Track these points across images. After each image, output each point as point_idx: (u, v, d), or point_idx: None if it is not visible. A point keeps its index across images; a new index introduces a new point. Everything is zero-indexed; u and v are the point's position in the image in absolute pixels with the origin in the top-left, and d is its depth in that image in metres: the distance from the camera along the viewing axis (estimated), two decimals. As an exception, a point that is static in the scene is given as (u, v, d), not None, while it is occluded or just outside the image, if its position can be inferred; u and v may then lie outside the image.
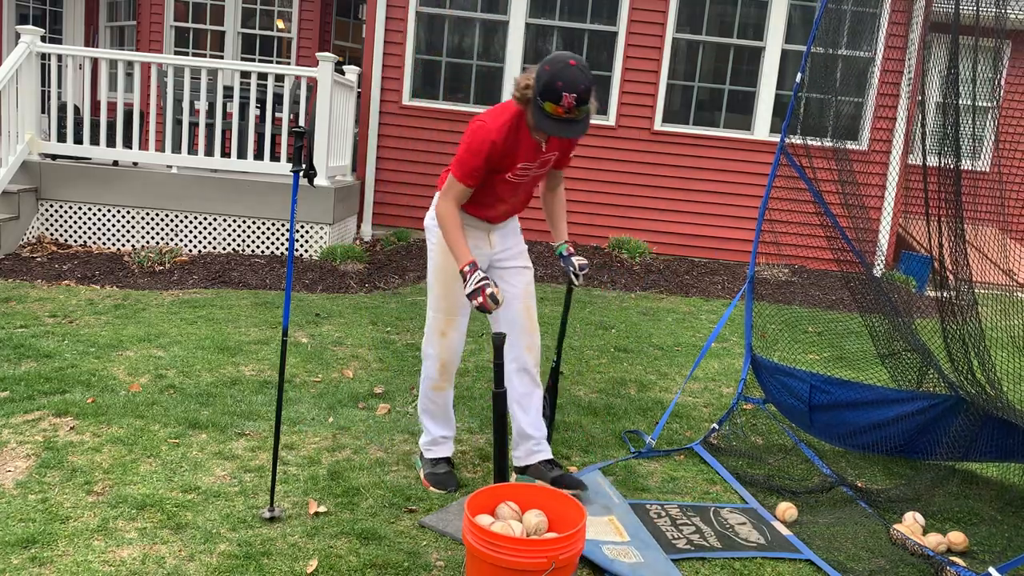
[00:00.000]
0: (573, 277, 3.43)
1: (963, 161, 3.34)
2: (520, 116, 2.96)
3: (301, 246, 7.28)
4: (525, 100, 2.89)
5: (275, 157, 7.49)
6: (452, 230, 2.96)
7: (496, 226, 3.27)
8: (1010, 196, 3.34)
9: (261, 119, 8.02)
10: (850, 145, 8.61)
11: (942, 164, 3.38)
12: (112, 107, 10.96)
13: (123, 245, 7.22)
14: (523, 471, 3.30)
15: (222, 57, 10.85)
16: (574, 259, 3.42)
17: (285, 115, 7.63)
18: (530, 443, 3.26)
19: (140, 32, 10.87)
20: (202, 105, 7.25)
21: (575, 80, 2.72)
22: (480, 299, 2.86)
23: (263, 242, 7.29)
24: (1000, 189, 3.32)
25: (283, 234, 7.30)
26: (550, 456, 3.28)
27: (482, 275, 2.89)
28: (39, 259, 6.63)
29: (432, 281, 3.25)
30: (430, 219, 3.28)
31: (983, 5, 3.26)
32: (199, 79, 7.33)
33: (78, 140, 7.30)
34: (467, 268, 2.91)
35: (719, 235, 8.97)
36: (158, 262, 6.67)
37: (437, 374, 3.28)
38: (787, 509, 3.26)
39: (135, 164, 7.47)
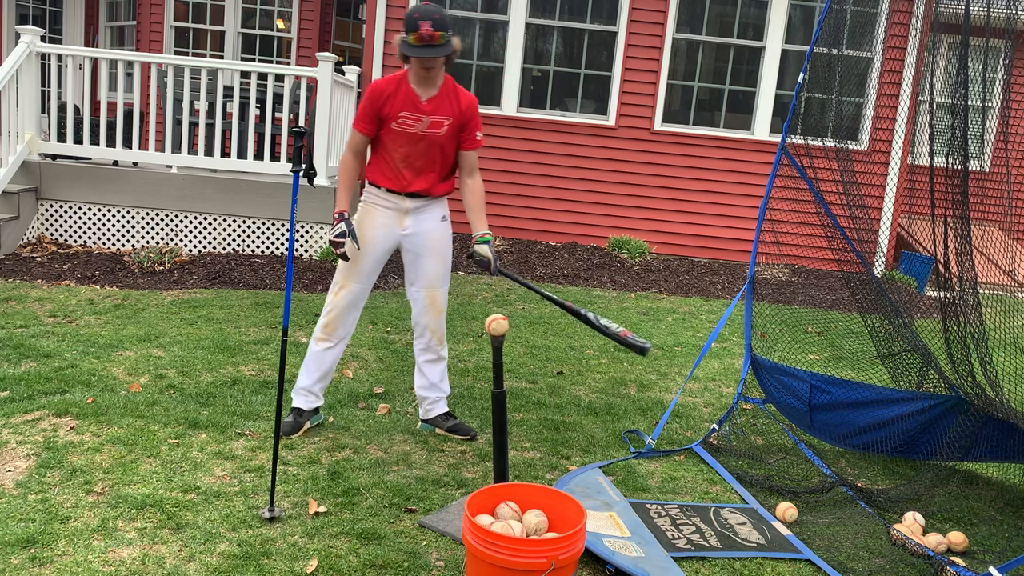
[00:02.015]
0: (482, 264, 3.64)
1: (971, 162, 3.34)
2: (404, 75, 3.48)
3: (301, 246, 7.28)
4: (402, 55, 3.41)
5: (275, 157, 7.49)
6: (343, 180, 3.53)
7: (410, 207, 3.61)
8: (1017, 197, 3.34)
9: (261, 119, 8.02)
10: (851, 145, 8.61)
11: (949, 165, 3.37)
12: (112, 107, 10.96)
13: (123, 245, 7.22)
14: (426, 422, 3.88)
15: (222, 57, 10.85)
16: (483, 248, 3.61)
17: (285, 115, 7.63)
18: (426, 403, 3.84)
19: (140, 32, 10.88)
20: (202, 105, 7.24)
21: (427, 10, 3.27)
22: (337, 250, 3.44)
23: (263, 242, 7.29)
24: (1008, 189, 3.32)
25: (283, 234, 7.30)
26: (446, 409, 3.87)
27: (344, 228, 3.38)
28: (39, 259, 6.62)
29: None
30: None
31: (995, 6, 3.25)
32: (199, 79, 7.33)
33: (78, 140, 7.30)
34: (336, 216, 3.42)
35: (719, 235, 8.97)
36: (158, 262, 6.67)
37: (320, 327, 3.68)
38: (787, 509, 3.26)
39: (135, 164, 7.47)
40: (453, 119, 3.52)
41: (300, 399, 3.76)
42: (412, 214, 3.61)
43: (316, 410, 3.80)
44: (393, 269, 7.41)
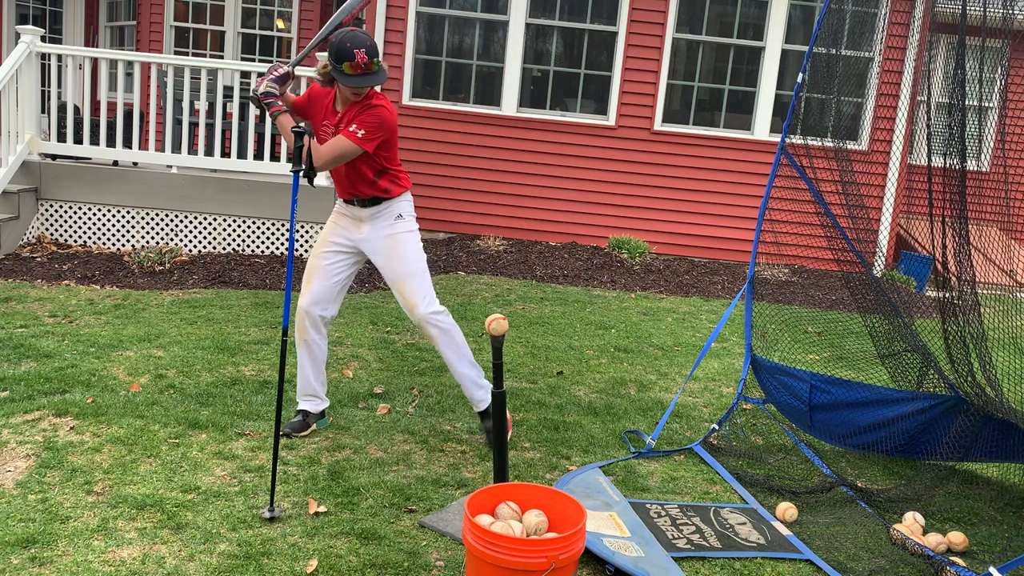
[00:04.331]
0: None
1: (968, 162, 3.34)
2: (330, 91, 3.54)
3: (301, 246, 7.28)
4: (329, 78, 3.46)
5: (275, 157, 7.49)
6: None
7: (360, 212, 3.65)
8: (1015, 196, 3.34)
9: (261, 119, 8.02)
10: (850, 145, 8.62)
11: (947, 164, 3.37)
12: (112, 107, 10.96)
13: (123, 245, 7.22)
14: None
15: (222, 57, 10.85)
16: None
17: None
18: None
19: (140, 32, 10.87)
20: (202, 105, 7.24)
21: (359, 39, 3.24)
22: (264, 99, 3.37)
23: (263, 242, 7.29)
24: (1006, 189, 3.32)
25: (283, 234, 7.30)
26: (480, 409, 3.81)
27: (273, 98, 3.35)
28: (39, 259, 6.62)
29: None
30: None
31: (991, 6, 3.25)
32: (199, 79, 7.33)
33: (78, 140, 7.30)
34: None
35: (719, 235, 8.97)
36: (158, 262, 6.67)
37: (296, 332, 3.73)
38: (787, 509, 3.26)
39: (135, 164, 7.47)
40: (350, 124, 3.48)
41: (305, 403, 3.78)
42: (367, 222, 3.65)
43: (322, 413, 3.82)
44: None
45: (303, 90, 7.75)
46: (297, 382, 3.79)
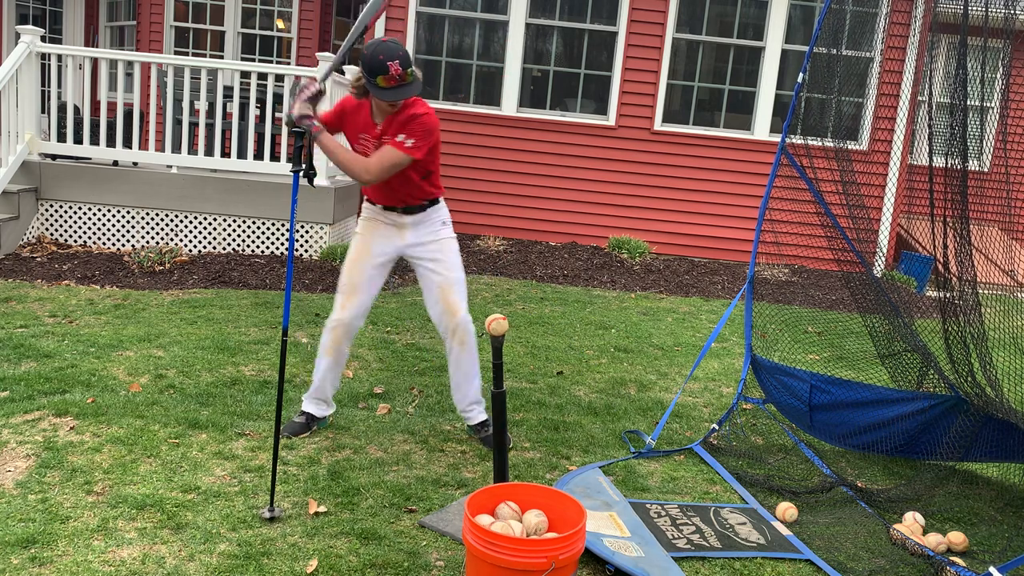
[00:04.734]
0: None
1: (970, 162, 3.34)
2: (364, 102, 3.49)
3: (301, 246, 7.28)
4: (363, 90, 3.41)
5: (275, 157, 7.49)
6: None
7: (402, 219, 3.62)
8: (1016, 197, 3.33)
9: (261, 119, 8.02)
10: (850, 145, 8.61)
11: (948, 165, 3.37)
12: (112, 107, 10.96)
13: (123, 245, 7.21)
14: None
15: (222, 57, 10.85)
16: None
17: (285, 115, 7.62)
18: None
19: (140, 32, 10.87)
20: (202, 105, 7.24)
21: (391, 50, 3.19)
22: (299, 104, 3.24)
23: (263, 242, 7.29)
24: (1007, 189, 3.32)
25: (283, 234, 7.30)
26: (478, 420, 3.82)
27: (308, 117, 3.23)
28: (39, 259, 6.62)
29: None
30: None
31: (992, 5, 3.25)
32: (199, 79, 7.33)
33: (78, 140, 7.30)
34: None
35: (719, 235, 8.97)
36: (158, 262, 6.67)
37: (329, 342, 3.67)
38: (787, 509, 3.26)
39: (135, 164, 7.47)
40: (392, 135, 3.47)
41: (312, 406, 3.75)
42: (410, 228, 3.63)
43: (325, 418, 3.81)
44: (392, 268, 7.41)
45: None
46: (313, 386, 3.73)
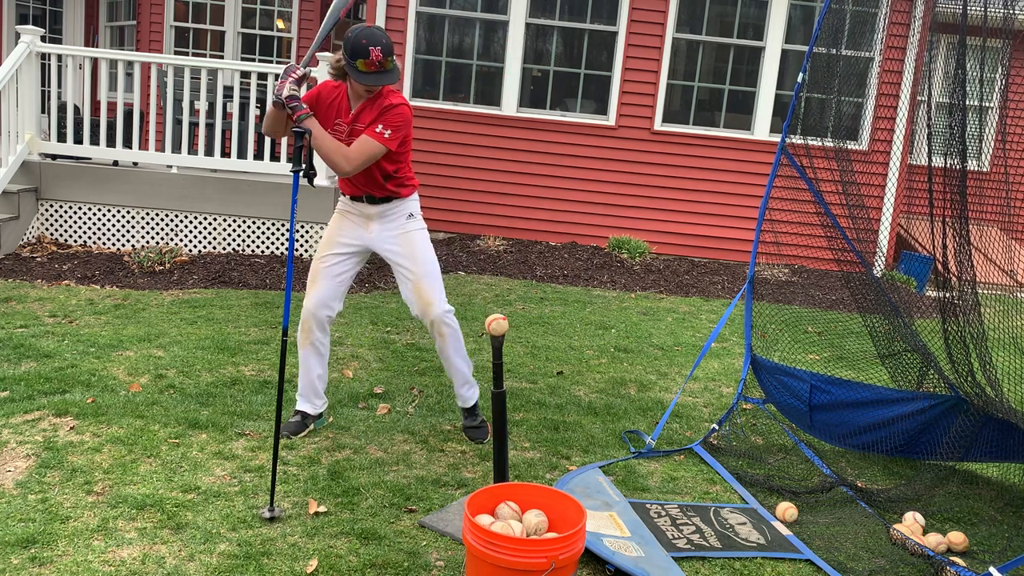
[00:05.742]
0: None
1: (969, 162, 3.34)
2: (340, 86, 3.51)
3: (301, 246, 7.28)
4: (341, 72, 3.43)
5: (275, 157, 7.48)
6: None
7: (369, 210, 3.64)
8: (1016, 196, 3.33)
9: (261, 119, 8.01)
10: (850, 145, 8.61)
11: (947, 164, 3.37)
12: (112, 107, 10.96)
13: (123, 245, 7.21)
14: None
15: (222, 57, 10.85)
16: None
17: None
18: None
19: (140, 32, 10.87)
20: (202, 105, 7.24)
21: (375, 36, 3.23)
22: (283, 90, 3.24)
23: (263, 242, 7.29)
24: (1006, 189, 3.32)
25: (283, 234, 7.30)
26: (467, 405, 3.86)
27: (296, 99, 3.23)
28: (39, 259, 6.62)
29: None
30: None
31: (991, 5, 3.25)
32: (199, 79, 7.33)
33: (78, 140, 7.30)
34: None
35: (719, 235, 8.97)
36: (158, 262, 6.67)
37: (299, 333, 3.70)
38: (787, 509, 3.26)
39: (135, 164, 7.47)
40: (370, 124, 3.47)
41: (304, 404, 3.77)
42: (376, 220, 3.65)
43: (320, 415, 3.82)
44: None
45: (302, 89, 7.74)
46: (299, 383, 3.77)
